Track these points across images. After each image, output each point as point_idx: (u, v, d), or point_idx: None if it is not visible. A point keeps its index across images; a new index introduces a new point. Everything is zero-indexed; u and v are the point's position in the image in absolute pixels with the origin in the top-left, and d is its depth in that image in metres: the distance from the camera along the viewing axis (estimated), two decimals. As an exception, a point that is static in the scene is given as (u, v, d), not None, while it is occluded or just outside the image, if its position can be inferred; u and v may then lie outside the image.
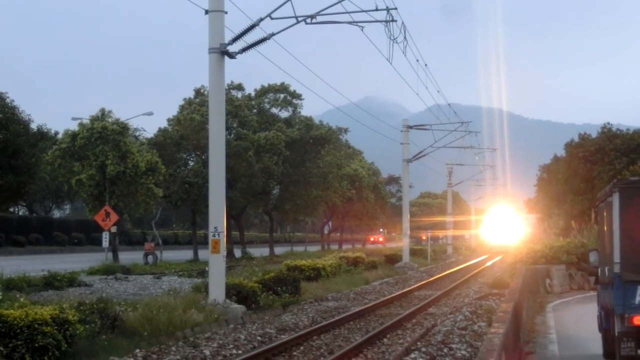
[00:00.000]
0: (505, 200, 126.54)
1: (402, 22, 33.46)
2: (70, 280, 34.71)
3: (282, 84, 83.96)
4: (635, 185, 19.65)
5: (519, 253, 53.45)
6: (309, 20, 30.30)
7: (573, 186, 76.71)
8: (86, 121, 57.65)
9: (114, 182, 55.79)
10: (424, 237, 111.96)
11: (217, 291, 28.88)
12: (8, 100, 69.41)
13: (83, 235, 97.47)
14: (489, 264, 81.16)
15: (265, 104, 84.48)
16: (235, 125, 72.25)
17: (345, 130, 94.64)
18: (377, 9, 31.77)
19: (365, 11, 31.71)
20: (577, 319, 28.74)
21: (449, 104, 69.94)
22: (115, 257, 57.09)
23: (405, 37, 34.26)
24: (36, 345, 18.47)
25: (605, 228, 20.10)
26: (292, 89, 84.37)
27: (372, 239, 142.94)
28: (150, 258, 61.34)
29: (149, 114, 66.98)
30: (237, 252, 76.39)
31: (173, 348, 20.14)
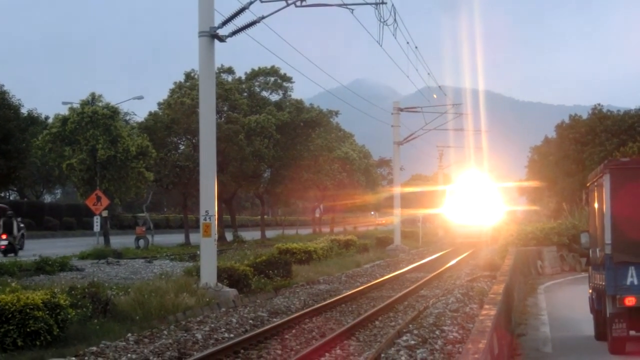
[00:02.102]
0: (478, 169, 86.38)
1: (392, 5, 33.46)
2: (62, 265, 34.71)
3: (273, 67, 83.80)
4: (627, 167, 19.65)
5: (508, 235, 53.31)
6: (299, 3, 30.23)
7: (564, 168, 76.90)
8: (76, 106, 57.64)
9: (104, 166, 55.74)
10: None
11: (208, 275, 28.91)
12: (-1, 88, 69.33)
13: (74, 219, 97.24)
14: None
15: (256, 88, 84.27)
16: (225, 108, 72.16)
17: (336, 113, 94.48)
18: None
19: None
20: (569, 301, 28.82)
21: (439, 87, 70.02)
22: (107, 241, 57.12)
23: (395, 20, 34.25)
24: (28, 330, 18.51)
25: (596, 209, 20.18)
26: (282, 72, 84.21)
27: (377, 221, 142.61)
28: (141, 242, 61.41)
29: (139, 98, 66.95)
30: (229, 236, 76.44)
31: (165, 332, 20.18)
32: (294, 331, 20.88)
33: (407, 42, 46.74)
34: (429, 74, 61.21)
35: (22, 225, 56.00)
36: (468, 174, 77.53)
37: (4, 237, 51.13)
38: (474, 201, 67.96)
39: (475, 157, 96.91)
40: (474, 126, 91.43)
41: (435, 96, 73.14)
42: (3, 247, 49.60)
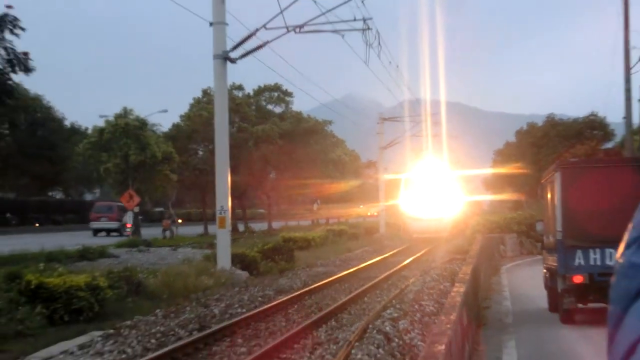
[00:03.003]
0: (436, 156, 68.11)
1: (377, 30, 33.57)
2: (101, 253, 34.73)
3: (276, 84, 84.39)
4: (575, 166, 19.98)
5: (476, 225, 53.20)
6: (297, 30, 30.45)
7: (522, 167, 76.91)
8: (111, 118, 57.82)
9: (135, 169, 55.99)
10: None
11: (224, 260, 29.05)
12: (45, 101, 69.43)
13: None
14: None
15: (262, 102, 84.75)
16: (237, 119, 72.17)
17: (330, 123, 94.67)
18: (355, 19, 31.92)
19: (345, 21, 31.90)
20: (527, 279, 28.89)
21: (416, 99, 70.47)
22: (138, 232, 57.22)
23: (379, 43, 34.36)
24: (73, 307, 18.63)
25: (549, 202, 20.36)
26: (284, 88, 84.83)
27: (369, 213, 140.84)
28: (167, 233, 61.79)
29: (164, 112, 66.97)
30: (241, 227, 76.48)
31: (188, 308, 20.21)
32: (296, 306, 20.94)
33: (390, 62, 46.81)
34: (408, 88, 61.58)
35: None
36: (425, 161, 59.49)
37: (128, 226, 57.95)
38: (432, 192, 51.80)
39: (434, 147, 74.27)
40: (447, 132, 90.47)
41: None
42: (129, 233, 56.48)
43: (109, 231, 62.97)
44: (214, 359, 14.09)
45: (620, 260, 0.74)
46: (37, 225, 79.40)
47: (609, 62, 38.63)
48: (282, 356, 14.14)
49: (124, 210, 60.71)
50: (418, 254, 41.26)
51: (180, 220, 68.28)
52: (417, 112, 74.49)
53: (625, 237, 0.75)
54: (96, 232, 65.78)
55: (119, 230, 62.13)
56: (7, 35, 35.01)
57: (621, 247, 0.76)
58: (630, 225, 0.75)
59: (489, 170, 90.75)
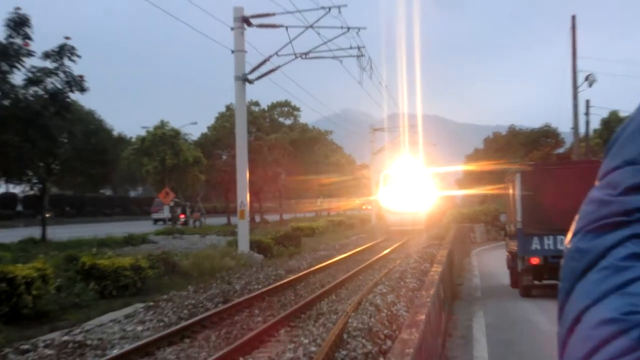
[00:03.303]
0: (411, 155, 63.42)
1: (369, 57, 33.61)
2: (143, 239, 34.78)
3: (286, 100, 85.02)
4: (532, 169, 19.98)
5: (450, 216, 53.12)
6: (303, 56, 30.55)
7: (496, 176, 77.00)
8: (151, 129, 58.02)
9: (170, 170, 56.13)
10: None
11: (243, 245, 29.10)
12: (97, 115, 69.85)
13: (150, 208, 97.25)
14: None
15: (275, 115, 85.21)
16: (254, 130, 72.15)
17: (330, 132, 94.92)
18: (351, 48, 31.96)
19: (343, 49, 31.92)
20: (492, 261, 28.87)
21: (402, 113, 70.84)
22: (173, 222, 57.33)
23: (371, 67, 34.35)
24: (120, 284, 18.75)
25: (511, 197, 20.38)
26: (293, 104, 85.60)
27: (363, 207, 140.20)
28: (197, 223, 62.26)
29: (194, 124, 66.97)
30: (257, 218, 76.44)
31: (214, 284, 20.21)
32: (302, 283, 20.95)
33: (379, 82, 47.08)
34: (395, 104, 61.80)
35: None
36: (402, 160, 53.60)
37: (182, 216, 63.87)
38: (408, 188, 46.93)
39: (414, 151, 68.18)
40: (425, 140, 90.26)
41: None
42: (182, 223, 60.68)
43: (165, 221, 63.70)
44: (236, 326, 14.10)
45: (569, 246, 0.75)
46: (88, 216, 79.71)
47: (560, 82, 38.64)
48: (291, 324, 14.16)
49: (177, 204, 63.24)
50: (404, 240, 41.23)
51: (199, 213, 69.01)
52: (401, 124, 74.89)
53: (573, 226, 0.77)
54: (156, 221, 67.09)
55: (173, 220, 62.48)
56: (66, 61, 35.12)
57: (569, 234, 0.77)
58: (577, 217, 0.78)
59: (461, 168, 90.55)
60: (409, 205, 45.50)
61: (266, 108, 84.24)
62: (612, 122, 62.92)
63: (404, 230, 43.83)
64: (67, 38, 35.66)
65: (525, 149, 72.95)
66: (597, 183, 0.79)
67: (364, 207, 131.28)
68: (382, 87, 50.97)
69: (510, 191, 20.53)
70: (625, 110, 65.94)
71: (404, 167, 49.69)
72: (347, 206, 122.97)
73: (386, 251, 32.56)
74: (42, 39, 32.76)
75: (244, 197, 29.86)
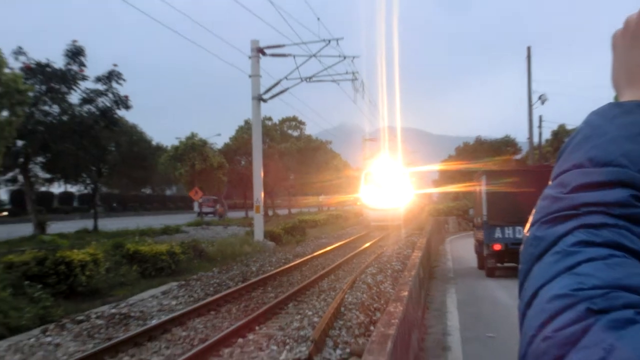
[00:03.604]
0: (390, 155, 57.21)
1: (362, 80, 33.72)
2: (176, 230, 34.76)
3: (294, 116, 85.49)
4: (494, 172, 20.00)
5: (428, 211, 53.12)
6: (308, 80, 30.55)
7: (459, 172, 77.03)
8: (183, 139, 58.11)
9: (199, 173, 56.19)
10: None
11: (258, 234, 29.10)
12: (139, 128, 70.07)
13: (183, 204, 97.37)
14: None
15: (284, 128, 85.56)
16: (267, 140, 72.31)
17: (330, 142, 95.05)
18: (347, 73, 32.17)
19: (340, 74, 32.09)
20: (463, 247, 28.90)
21: (388, 126, 71.02)
22: (201, 215, 57.35)
23: (363, 89, 34.43)
24: (158, 266, 18.75)
25: (478, 195, 20.38)
26: (299, 119, 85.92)
27: (358, 203, 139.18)
28: (217, 217, 62.57)
29: (218, 135, 67.57)
30: (270, 212, 76.57)
31: (234, 267, 20.23)
32: (307, 266, 20.95)
33: (370, 101, 47.25)
34: (382, 119, 61.94)
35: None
36: (381, 160, 48.23)
37: (220, 211, 65.13)
38: (387, 186, 42.52)
39: (393, 154, 60.46)
40: (405, 148, 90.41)
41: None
42: (221, 211, 64.09)
43: (207, 214, 64.65)
44: (252, 301, 14.10)
45: (527, 234, 0.76)
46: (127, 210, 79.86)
47: (519, 100, 38.80)
48: (298, 299, 14.17)
49: (217, 201, 66.78)
50: (389, 231, 41.31)
51: (222, 208, 69.93)
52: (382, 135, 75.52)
53: (531, 218, 0.77)
54: (203, 214, 67.77)
55: (214, 213, 65.64)
56: (114, 84, 35.25)
57: (528, 225, 0.77)
58: (534, 210, 0.78)
59: (436, 167, 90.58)
60: (388, 202, 41.42)
61: (277, 122, 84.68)
62: (560, 134, 63.02)
63: (384, 225, 40.16)
64: (114, 65, 35.82)
65: (489, 156, 73.13)
66: (550, 183, 0.79)
67: (358, 203, 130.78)
68: (371, 105, 51.51)
69: (478, 189, 20.56)
70: (571, 124, 66.10)
71: (383, 166, 44.96)
72: (344, 202, 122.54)
73: (375, 239, 32.57)
74: (100, 61, 32.86)
75: (259, 195, 29.97)
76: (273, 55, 29.77)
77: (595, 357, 0.58)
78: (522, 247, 0.76)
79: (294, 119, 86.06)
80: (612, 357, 0.58)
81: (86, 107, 35.23)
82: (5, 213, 65.77)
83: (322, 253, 25.03)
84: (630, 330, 0.60)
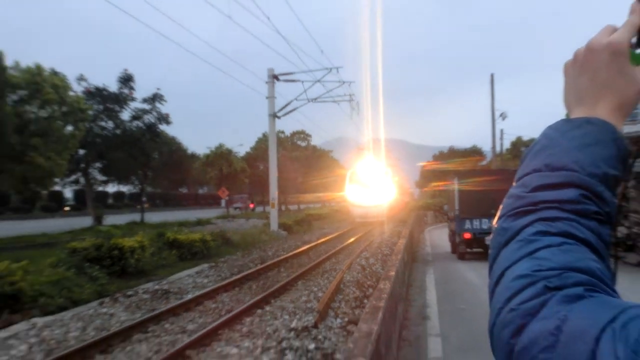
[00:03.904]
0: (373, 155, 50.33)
1: (357, 101, 33.78)
2: (207, 222, 34.77)
3: (302, 130, 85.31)
4: (464, 174, 19.92)
5: (410, 207, 52.94)
6: (313, 101, 30.53)
7: (435, 175, 76.91)
8: (213, 148, 58.22)
9: (226, 176, 56.23)
10: None
11: (274, 225, 29.07)
12: (177, 140, 70.23)
13: (212, 201, 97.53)
14: None
15: (294, 139, 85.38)
16: (280, 149, 72.47)
17: (331, 151, 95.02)
18: (345, 95, 32.26)
19: (340, 95, 32.15)
20: (439, 235, 28.86)
21: (376, 138, 71.35)
22: (227, 210, 57.36)
23: (358, 107, 34.52)
24: (192, 251, 18.70)
25: (451, 193, 20.30)
26: (306, 132, 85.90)
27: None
28: (243, 211, 62.31)
29: (241, 145, 68.36)
30: (283, 207, 76.64)
31: (254, 251, 20.23)
32: (313, 251, 20.90)
33: (363, 118, 47.12)
34: (371, 131, 62.24)
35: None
36: (365, 161, 42.85)
37: (251, 206, 63.25)
38: (370, 185, 37.92)
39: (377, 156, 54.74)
40: (390, 156, 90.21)
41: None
42: (252, 206, 61.80)
43: (238, 208, 64.76)
44: (269, 279, 14.10)
45: (496, 225, 0.76)
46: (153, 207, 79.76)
47: (485, 116, 38.69)
48: (306, 278, 14.15)
49: (248, 199, 66.46)
50: (378, 224, 41.30)
51: (245, 205, 69.59)
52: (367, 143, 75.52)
53: (498, 213, 0.77)
54: (234, 209, 67.62)
55: (245, 208, 64.97)
56: (157, 104, 35.36)
57: (496, 218, 0.78)
58: (501, 206, 0.78)
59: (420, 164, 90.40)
60: (372, 199, 37.15)
61: (289, 135, 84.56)
62: (517, 144, 63.03)
63: (368, 222, 36.30)
64: (158, 89, 36.01)
65: (460, 162, 73.14)
66: (514, 184, 0.79)
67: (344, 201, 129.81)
68: (364, 120, 51.28)
69: (451, 188, 20.50)
70: (527, 135, 65.95)
71: (366, 167, 40.44)
72: (343, 199, 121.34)
73: (367, 230, 32.54)
74: (146, 83, 33.12)
75: (274, 193, 29.99)
76: (285, 80, 29.79)
77: (552, 326, 0.59)
78: (491, 236, 0.76)
79: (302, 132, 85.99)
80: (565, 325, 0.59)
81: (135, 123, 35.37)
82: (67, 208, 66.00)
83: (324, 241, 25.03)
84: (580, 304, 0.60)
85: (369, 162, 41.87)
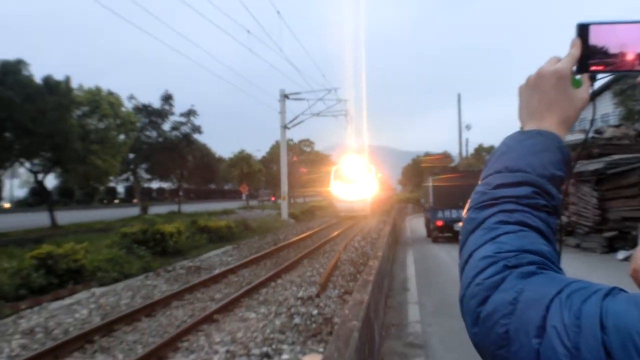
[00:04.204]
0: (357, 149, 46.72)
1: (351, 115, 33.79)
2: (231, 212, 34.80)
3: (307, 138, 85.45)
4: (438, 174, 19.79)
5: (393, 200, 52.65)
6: (316, 115, 30.49)
7: (416, 174, 76.52)
8: (236, 153, 58.23)
9: (246, 175, 56.22)
10: None
11: (284, 215, 29.02)
12: (208, 146, 70.25)
13: (235, 195, 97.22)
14: None
15: (301, 146, 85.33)
16: (290, 153, 72.31)
17: (330, 155, 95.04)
18: (341, 110, 32.20)
19: (337, 111, 32.07)
20: (417, 223, 28.76)
21: (368, 144, 71.15)
22: (247, 202, 57.33)
23: (352, 120, 34.48)
24: (220, 235, 18.64)
25: (427, 189, 20.22)
26: (310, 140, 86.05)
27: None
28: (261, 203, 62.17)
29: (258, 150, 67.83)
30: (292, 200, 76.57)
31: (269, 236, 20.22)
32: (316, 235, 20.83)
33: (355, 129, 46.81)
34: (364, 139, 61.78)
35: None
36: (349, 159, 36.86)
37: (272, 199, 60.84)
38: (354, 180, 32.89)
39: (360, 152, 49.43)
40: (375, 160, 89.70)
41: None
42: (273, 199, 58.40)
43: (264, 200, 64.52)
44: (280, 258, 14.09)
45: (465, 215, 0.76)
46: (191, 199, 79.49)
47: (454, 126, 38.61)
48: (310, 257, 14.15)
49: (270, 193, 65.14)
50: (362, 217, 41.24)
51: (263, 198, 69.40)
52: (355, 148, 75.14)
53: (467, 205, 0.76)
54: (261, 201, 66.99)
55: (269, 200, 63.69)
56: (192, 118, 35.40)
57: (465, 209, 0.78)
58: (469, 200, 0.77)
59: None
60: (355, 194, 32.29)
61: (297, 142, 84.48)
62: (480, 150, 62.94)
63: (352, 216, 31.61)
64: (192, 105, 36.10)
65: (435, 165, 72.70)
66: (480, 182, 0.79)
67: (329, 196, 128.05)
68: (357, 132, 51.04)
69: (427, 185, 20.43)
70: (487, 143, 65.73)
71: (350, 163, 34.83)
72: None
73: (359, 219, 32.50)
74: (185, 100, 33.08)
75: (285, 189, 29.99)
76: (294, 99, 29.75)
77: (510, 297, 0.60)
78: (462, 224, 0.76)
79: (307, 140, 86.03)
80: (521, 296, 0.59)
81: (174, 133, 35.42)
82: (116, 201, 66.16)
83: (324, 227, 24.99)
84: (533, 279, 0.61)
85: (352, 159, 35.76)
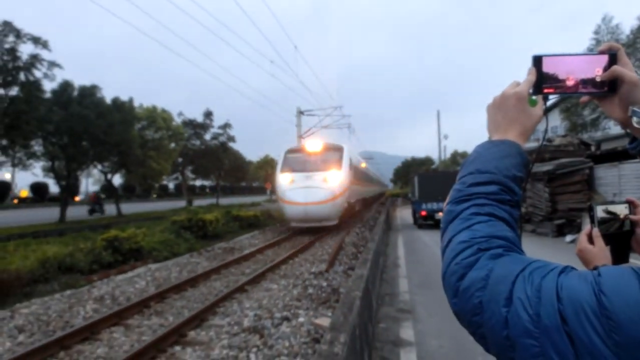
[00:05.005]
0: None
1: (354, 127, 33.35)
2: (258, 204, 34.75)
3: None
4: (423, 174, 19.57)
5: (385, 196, 51.65)
6: (325, 127, 30.23)
7: (404, 174, 76.02)
8: (262, 157, 58.38)
9: (270, 175, 56.19)
10: None
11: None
12: (240, 152, 70.12)
13: (262, 190, 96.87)
14: None
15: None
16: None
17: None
18: (345, 124, 31.80)
19: (343, 124, 31.73)
20: (405, 213, 28.50)
21: (365, 150, 70.29)
22: (270, 197, 57.36)
23: (354, 132, 34.07)
24: (248, 223, 18.63)
25: (414, 185, 19.99)
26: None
27: None
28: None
29: (279, 155, 67.18)
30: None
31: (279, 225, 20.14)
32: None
33: (357, 139, 45.86)
34: (363, 145, 60.62)
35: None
36: (312, 141, 15.50)
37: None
38: (317, 173, 13.38)
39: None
40: (371, 164, 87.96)
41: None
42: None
43: None
44: (297, 241, 14.06)
45: (445, 208, 0.75)
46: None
47: (434, 135, 38.28)
48: (321, 240, 14.09)
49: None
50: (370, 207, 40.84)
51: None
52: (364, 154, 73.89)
53: (447, 199, 0.76)
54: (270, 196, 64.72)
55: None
56: (227, 129, 35.52)
57: (445, 203, 0.77)
58: (448, 196, 0.76)
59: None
60: (317, 194, 14.50)
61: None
62: (455, 155, 62.21)
63: (308, 227, 15.18)
64: (227, 120, 36.34)
65: (420, 167, 72.02)
66: (457, 181, 0.79)
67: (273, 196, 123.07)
68: (359, 141, 49.92)
69: (414, 182, 20.23)
70: (462, 149, 65.06)
71: (313, 147, 16.01)
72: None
73: (359, 208, 32.18)
74: (221, 115, 33.04)
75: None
76: (308, 114, 29.67)
77: (483, 274, 0.60)
78: (442, 215, 0.76)
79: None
80: (492, 274, 0.60)
81: (213, 142, 35.62)
82: (168, 196, 66.68)
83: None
84: (501, 260, 0.61)
85: (316, 141, 16.68)
